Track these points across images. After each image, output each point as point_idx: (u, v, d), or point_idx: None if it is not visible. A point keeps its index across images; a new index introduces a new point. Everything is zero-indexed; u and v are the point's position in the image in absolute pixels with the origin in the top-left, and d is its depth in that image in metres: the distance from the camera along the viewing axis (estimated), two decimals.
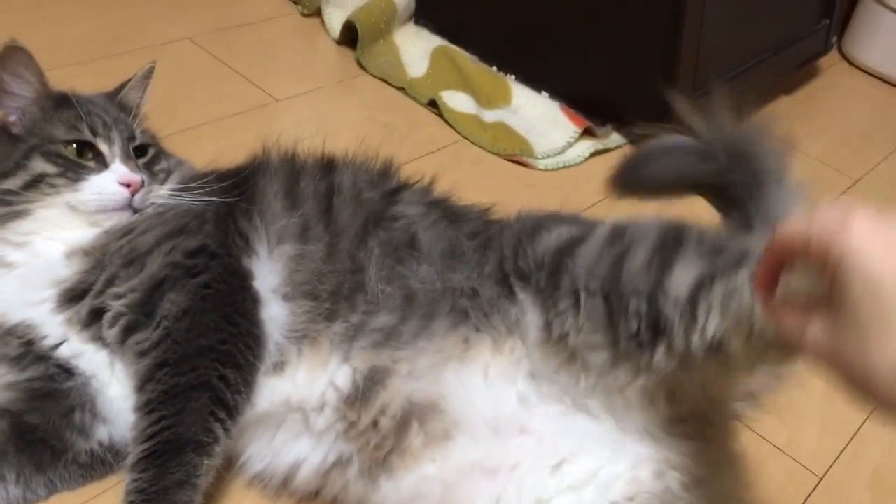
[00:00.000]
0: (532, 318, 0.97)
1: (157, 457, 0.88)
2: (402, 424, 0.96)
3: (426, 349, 0.98)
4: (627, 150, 1.82)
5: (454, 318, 1.00)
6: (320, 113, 1.78)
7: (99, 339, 0.99)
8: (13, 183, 1.01)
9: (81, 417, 0.99)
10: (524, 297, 0.98)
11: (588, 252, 0.93)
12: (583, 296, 0.91)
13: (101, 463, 1.00)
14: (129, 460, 0.90)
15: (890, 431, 1.26)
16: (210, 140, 1.60)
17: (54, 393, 0.98)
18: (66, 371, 0.99)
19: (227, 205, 1.07)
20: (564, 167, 1.76)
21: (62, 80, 1.18)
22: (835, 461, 1.22)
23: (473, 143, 1.76)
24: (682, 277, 0.86)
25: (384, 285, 1.01)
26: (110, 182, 1.04)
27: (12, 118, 1.05)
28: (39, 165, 1.02)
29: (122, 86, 1.17)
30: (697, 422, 1.00)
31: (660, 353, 0.88)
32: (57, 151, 1.03)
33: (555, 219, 1.03)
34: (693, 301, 0.85)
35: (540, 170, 1.74)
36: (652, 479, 0.97)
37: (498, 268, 1.02)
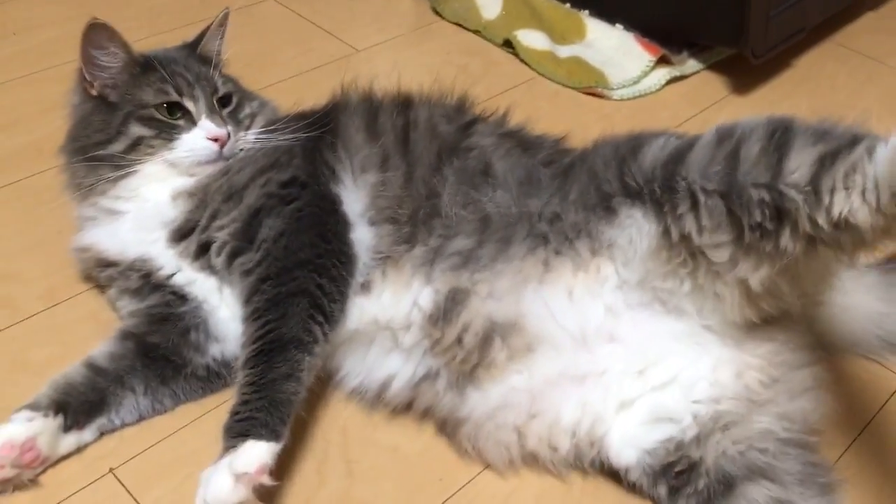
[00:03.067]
0: (645, 230, 1.00)
1: (264, 354, 0.99)
2: (486, 341, 1.03)
3: (505, 271, 1.05)
4: (705, 74, 1.84)
5: (532, 241, 1.06)
6: (399, 59, 1.86)
7: (208, 268, 1.10)
8: (117, 147, 1.13)
9: (196, 336, 1.11)
10: (634, 213, 1.01)
11: (699, 156, 0.94)
12: (701, 197, 0.93)
13: (216, 376, 1.12)
14: (240, 361, 1.01)
15: None
16: (298, 91, 1.67)
17: (171, 317, 1.11)
18: (181, 297, 1.11)
19: (312, 139, 1.16)
20: (640, 96, 1.78)
21: (161, 43, 1.29)
22: None
23: (549, 79, 1.80)
24: (800, 161, 0.88)
25: (458, 209, 1.08)
26: (200, 139, 1.14)
27: (107, 88, 1.16)
28: (137, 130, 1.13)
29: (201, 36, 1.25)
30: (779, 323, 1.05)
31: (785, 238, 0.90)
32: (150, 115, 1.14)
33: (651, 134, 1.06)
34: (816, 181, 0.86)
35: (616, 100, 1.76)
36: (732, 380, 1.02)
37: (590, 192, 1.05)
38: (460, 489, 1.05)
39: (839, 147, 0.87)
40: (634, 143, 1.04)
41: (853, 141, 0.88)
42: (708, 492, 0.97)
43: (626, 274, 1.04)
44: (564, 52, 1.86)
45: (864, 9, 2.09)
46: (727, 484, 0.97)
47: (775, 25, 1.74)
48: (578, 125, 1.66)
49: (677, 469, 0.99)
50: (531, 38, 1.88)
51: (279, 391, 0.96)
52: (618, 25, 1.90)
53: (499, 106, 1.28)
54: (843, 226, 0.87)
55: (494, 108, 1.28)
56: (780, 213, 0.89)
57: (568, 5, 1.97)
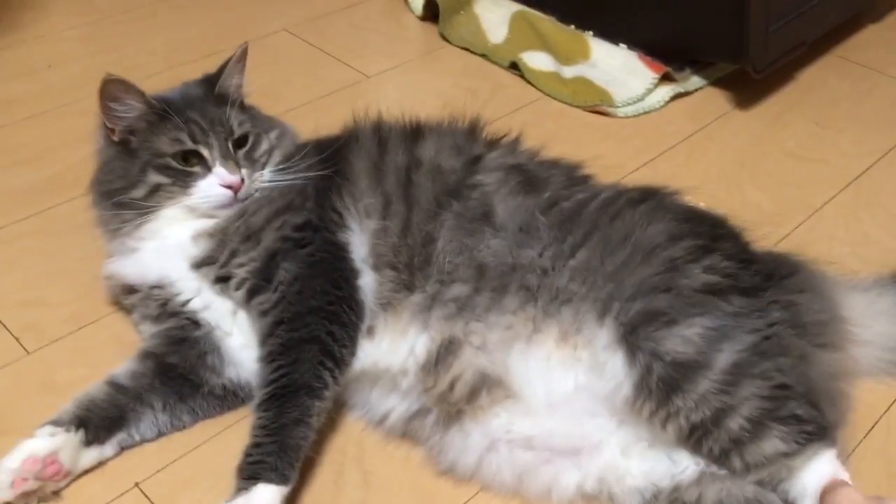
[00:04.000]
0: (621, 377, 1.02)
1: (276, 399, 1.03)
2: (474, 392, 1.07)
3: (497, 324, 1.08)
4: (709, 90, 1.87)
5: (524, 295, 1.09)
6: (409, 84, 1.91)
7: (226, 293, 1.15)
8: (137, 193, 1.17)
9: (212, 359, 1.15)
10: (618, 353, 1.02)
11: (705, 389, 0.98)
12: (681, 418, 0.99)
13: (233, 395, 1.16)
14: (254, 402, 1.06)
15: None
16: (311, 118, 1.72)
17: (188, 339, 1.15)
18: (195, 323, 1.16)
19: (324, 178, 1.20)
20: (645, 113, 1.81)
21: (180, 76, 1.34)
22: None
23: (555, 99, 1.85)
24: (761, 450, 0.98)
25: (452, 257, 1.11)
26: (214, 186, 1.17)
27: (127, 134, 1.19)
28: (154, 178, 1.17)
29: (220, 71, 1.26)
30: None
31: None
32: (166, 164, 1.17)
33: (692, 303, 1.03)
34: (757, 467, 0.99)
35: (621, 117, 1.80)
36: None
37: (599, 287, 1.06)
38: (474, 495, 1.08)
39: (794, 451, 0.97)
40: (670, 307, 1.02)
41: (808, 440, 0.97)
42: None
43: (595, 372, 1.06)
44: (569, 72, 1.90)
45: (866, 21, 2.12)
46: None
47: (775, 40, 1.78)
48: (585, 144, 1.71)
49: None
50: (537, 60, 1.92)
51: (289, 436, 1.01)
52: (621, 45, 1.95)
53: (510, 128, 1.30)
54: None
55: (507, 129, 1.30)
56: (718, 461, 1.01)
57: (573, 27, 2.02)
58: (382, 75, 1.94)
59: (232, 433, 1.13)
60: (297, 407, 1.03)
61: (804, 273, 1.16)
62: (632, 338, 1.01)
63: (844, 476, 0.97)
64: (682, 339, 0.99)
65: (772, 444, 0.97)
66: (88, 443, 1.06)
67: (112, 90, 1.16)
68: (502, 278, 1.09)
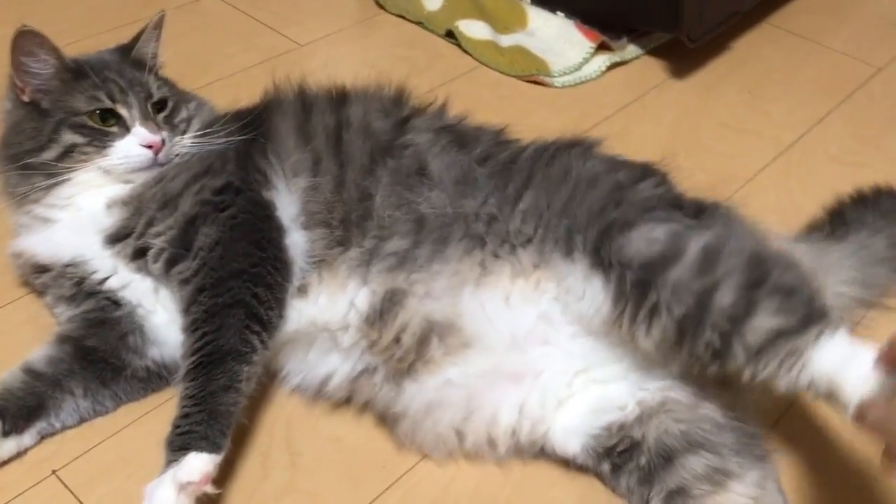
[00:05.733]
0: (598, 298, 1.02)
1: (202, 367, 1.00)
2: (423, 340, 1.05)
3: (442, 272, 1.06)
4: (645, 59, 1.86)
5: (468, 243, 1.08)
6: (342, 53, 1.87)
7: (144, 270, 1.10)
8: (49, 155, 1.12)
9: (134, 340, 1.11)
10: (593, 279, 1.02)
11: (678, 275, 0.97)
12: (664, 313, 0.97)
13: (157, 377, 1.13)
14: (180, 373, 1.02)
15: None
16: (240, 88, 1.68)
17: (108, 321, 1.11)
18: (114, 303, 1.12)
19: (245, 142, 1.16)
20: (581, 83, 1.80)
21: (100, 45, 1.28)
22: None
23: (491, 68, 1.82)
24: (759, 327, 0.94)
25: (392, 211, 1.09)
26: (133, 146, 1.13)
27: (38, 94, 1.14)
28: (69, 137, 1.12)
29: (136, 39, 1.23)
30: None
31: (713, 368, 0.98)
32: (81, 122, 1.12)
33: (642, 207, 1.04)
34: (762, 352, 0.94)
35: (558, 87, 1.78)
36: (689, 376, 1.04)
37: (556, 223, 1.06)
38: (403, 475, 1.07)
39: (794, 327, 0.93)
40: (624, 216, 1.03)
41: (807, 320, 0.93)
42: (649, 466, 1.01)
43: (564, 299, 1.06)
44: (506, 41, 1.88)
45: None
46: (667, 457, 1.00)
47: (710, 10, 1.78)
48: (523, 114, 1.69)
49: (619, 449, 1.03)
50: (473, 28, 1.89)
51: (219, 403, 0.98)
52: (559, 13, 1.92)
53: (438, 97, 1.29)
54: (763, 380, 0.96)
55: (434, 98, 1.29)
56: (719, 355, 0.96)
57: None
58: (315, 44, 1.88)
59: (154, 417, 1.10)
60: (224, 373, 0.99)
61: (731, 211, 1.16)
62: (599, 258, 1.02)
63: (866, 357, 0.89)
64: (646, 240, 1.00)
65: (767, 318, 0.93)
66: (6, 433, 1.02)
67: (26, 44, 1.11)
68: (443, 229, 1.09)
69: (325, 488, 1.05)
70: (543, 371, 1.06)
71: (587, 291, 1.03)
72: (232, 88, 1.69)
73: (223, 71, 1.76)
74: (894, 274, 1.25)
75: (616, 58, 1.85)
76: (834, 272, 1.20)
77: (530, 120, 1.67)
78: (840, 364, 0.90)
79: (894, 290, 1.26)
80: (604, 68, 1.83)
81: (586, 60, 1.82)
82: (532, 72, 1.80)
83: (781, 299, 0.94)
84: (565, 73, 1.80)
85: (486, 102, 1.69)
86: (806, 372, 0.92)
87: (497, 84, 1.79)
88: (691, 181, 1.34)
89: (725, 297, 0.95)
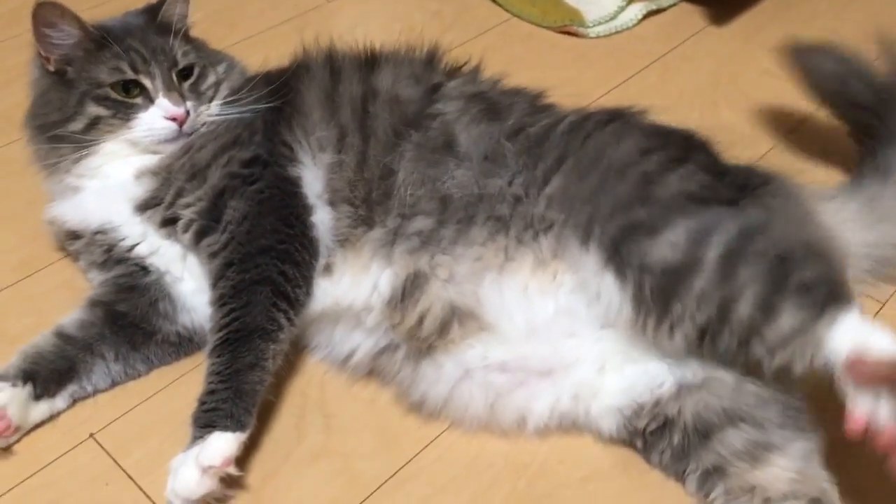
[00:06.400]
0: (618, 300, 0.99)
1: (229, 343, 1.00)
2: (444, 325, 1.03)
3: (465, 256, 1.04)
4: (683, 6, 1.80)
5: (493, 225, 1.05)
6: (370, 8, 1.83)
7: (174, 237, 1.10)
8: (75, 126, 1.11)
9: (164, 306, 1.11)
10: (607, 275, 0.99)
11: (700, 286, 0.94)
12: (687, 322, 0.95)
13: (188, 341, 1.13)
14: (208, 348, 1.02)
15: None
16: (269, 46, 1.66)
17: (138, 286, 1.11)
18: (144, 269, 1.12)
19: (273, 112, 1.14)
20: (616, 32, 1.74)
21: (125, 7, 1.25)
22: None
23: (523, 20, 1.77)
24: (779, 327, 0.92)
25: (414, 189, 1.06)
26: (157, 118, 1.11)
27: (63, 64, 1.12)
28: (93, 109, 1.11)
29: (162, 1, 1.19)
30: None
31: (734, 363, 0.98)
32: (105, 94, 1.11)
33: (671, 207, 1.00)
34: (780, 346, 0.93)
35: (592, 38, 1.73)
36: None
37: (580, 211, 1.02)
38: (438, 436, 1.06)
39: (811, 319, 0.91)
40: (651, 218, 0.98)
41: (823, 307, 0.91)
42: (683, 443, 0.99)
43: (582, 295, 1.03)
44: None
45: None
46: (705, 433, 0.98)
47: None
48: (554, 67, 1.65)
49: (651, 429, 1.01)
50: None
51: (244, 381, 0.97)
52: None
53: (471, 56, 1.24)
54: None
55: (468, 57, 1.24)
56: (740, 354, 0.95)
57: None
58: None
59: (189, 379, 1.10)
60: (251, 351, 0.99)
61: (777, 182, 1.13)
62: (617, 257, 0.98)
63: (873, 335, 0.90)
64: (668, 244, 0.96)
65: (787, 319, 0.92)
66: (38, 397, 1.03)
67: (46, 15, 1.10)
68: (468, 209, 1.05)
69: (360, 450, 1.05)
70: (575, 363, 1.04)
71: (602, 289, 1.00)
72: (260, 47, 1.66)
73: (251, 29, 1.73)
74: None
75: (653, 5, 1.78)
76: (889, 218, 1.15)
77: (564, 73, 1.63)
78: (852, 345, 0.89)
79: None
80: (640, 17, 1.77)
81: (622, 9, 1.76)
82: (565, 22, 1.74)
83: (801, 297, 0.92)
84: (600, 23, 1.74)
85: (518, 56, 1.65)
86: (819, 356, 0.91)
87: (529, 36, 1.74)
88: (732, 132, 1.30)
89: (745, 308, 0.93)
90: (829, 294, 0.92)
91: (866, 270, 1.15)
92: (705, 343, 0.96)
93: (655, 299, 0.96)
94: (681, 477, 0.99)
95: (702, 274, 0.94)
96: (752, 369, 0.98)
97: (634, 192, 1.01)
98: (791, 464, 0.95)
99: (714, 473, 0.96)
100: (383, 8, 1.84)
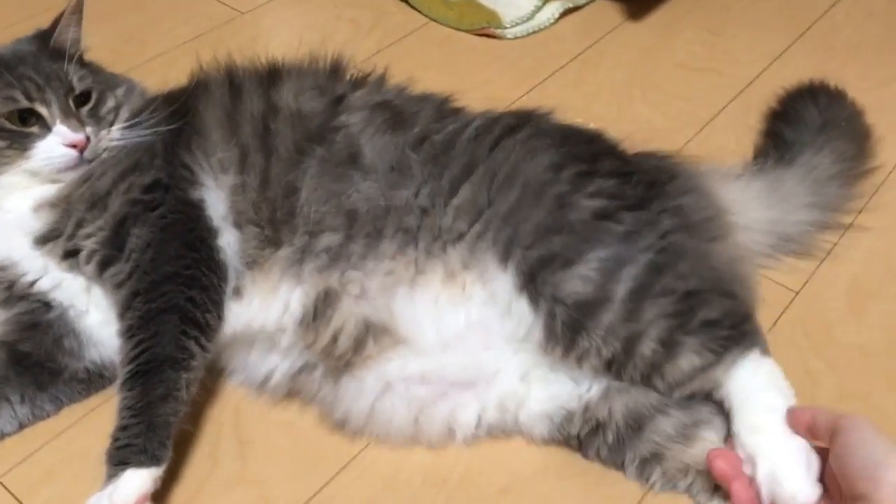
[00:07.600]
0: (529, 322, 1.01)
1: (139, 376, 0.97)
2: (359, 342, 1.02)
3: (376, 270, 1.03)
4: (600, 3, 1.80)
5: (402, 238, 1.04)
6: (286, 18, 1.80)
7: (76, 269, 1.06)
8: None
9: (70, 342, 1.08)
10: (522, 299, 1.00)
11: (609, 319, 0.97)
12: (593, 356, 0.98)
13: (98, 377, 1.10)
14: (118, 382, 0.99)
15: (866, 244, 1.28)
16: (183, 62, 1.60)
17: (41, 323, 1.07)
18: (46, 305, 1.08)
19: (173, 133, 1.11)
20: (534, 33, 1.74)
21: (15, 35, 1.21)
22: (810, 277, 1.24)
23: (440, 24, 1.76)
24: (679, 367, 0.97)
25: (318, 206, 1.04)
26: (56, 146, 1.07)
27: None
28: None
29: (54, 26, 1.14)
30: None
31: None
32: (0, 125, 1.06)
33: (585, 236, 1.00)
34: (680, 384, 0.99)
35: (510, 39, 1.72)
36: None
37: (497, 230, 1.02)
38: (356, 455, 1.05)
39: (712, 361, 0.96)
40: (565, 250, 0.99)
41: (725, 348, 0.96)
42: (618, 439, 1.00)
43: (494, 309, 1.04)
44: None
45: None
46: (637, 427, 0.99)
47: None
48: (472, 70, 1.64)
49: (583, 433, 1.02)
50: None
51: (157, 414, 0.95)
52: None
53: (391, 58, 1.23)
54: None
55: (387, 61, 1.22)
56: (643, 384, 1.00)
57: None
58: (257, 10, 1.81)
59: (96, 415, 1.07)
60: (162, 382, 0.96)
61: (683, 174, 1.15)
62: (532, 285, 0.99)
63: (769, 376, 0.97)
64: (580, 278, 0.98)
65: (687, 359, 0.96)
66: None
67: None
68: (376, 223, 1.04)
69: (277, 475, 1.03)
70: (496, 374, 1.04)
71: (513, 308, 1.01)
72: (172, 64, 1.63)
73: (162, 46, 1.69)
74: (844, 189, 1.26)
75: (569, 4, 1.78)
76: (791, 199, 1.20)
77: (483, 76, 1.62)
78: (749, 390, 0.95)
79: (847, 206, 1.28)
80: (557, 15, 1.76)
81: (538, 8, 1.75)
82: (482, 24, 1.73)
83: (704, 336, 0.97)
84: (517, 24, 1.73)
85: (436, 61, 1.64)
86: (717, 395, 0.98)
87: (447, 40, 1.73)
88: (648, 128, 1.29)
89: (648, 346, 0.97)
90: (732, 335, 0.97)
91: (770, 245, 1.21)
92: (611, 373, 0.99)
93: (564, 332, 0.98)
94: (620, 467, 1.01)
95: (611, 308, 0.97)
96: None
97: (550, 218, 1.02)
98: (718, 435, 0.99)
99: (652, 459, 0.99)
100: (299, 18, 1.81)
